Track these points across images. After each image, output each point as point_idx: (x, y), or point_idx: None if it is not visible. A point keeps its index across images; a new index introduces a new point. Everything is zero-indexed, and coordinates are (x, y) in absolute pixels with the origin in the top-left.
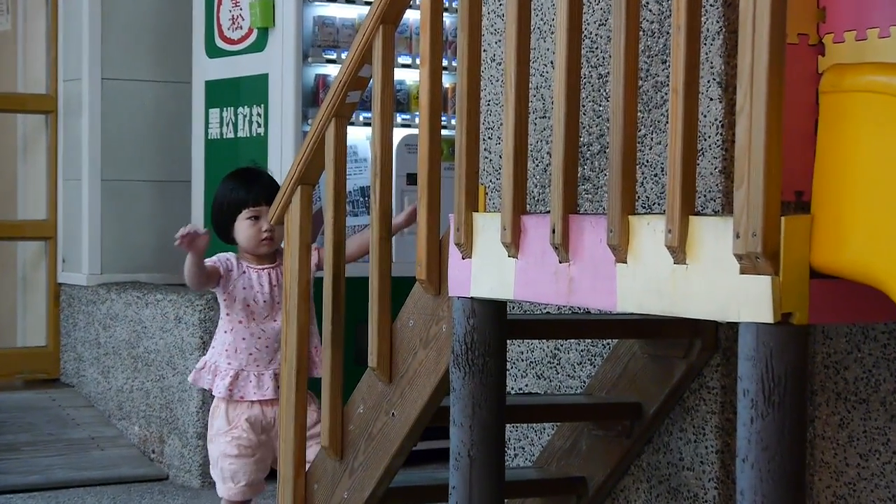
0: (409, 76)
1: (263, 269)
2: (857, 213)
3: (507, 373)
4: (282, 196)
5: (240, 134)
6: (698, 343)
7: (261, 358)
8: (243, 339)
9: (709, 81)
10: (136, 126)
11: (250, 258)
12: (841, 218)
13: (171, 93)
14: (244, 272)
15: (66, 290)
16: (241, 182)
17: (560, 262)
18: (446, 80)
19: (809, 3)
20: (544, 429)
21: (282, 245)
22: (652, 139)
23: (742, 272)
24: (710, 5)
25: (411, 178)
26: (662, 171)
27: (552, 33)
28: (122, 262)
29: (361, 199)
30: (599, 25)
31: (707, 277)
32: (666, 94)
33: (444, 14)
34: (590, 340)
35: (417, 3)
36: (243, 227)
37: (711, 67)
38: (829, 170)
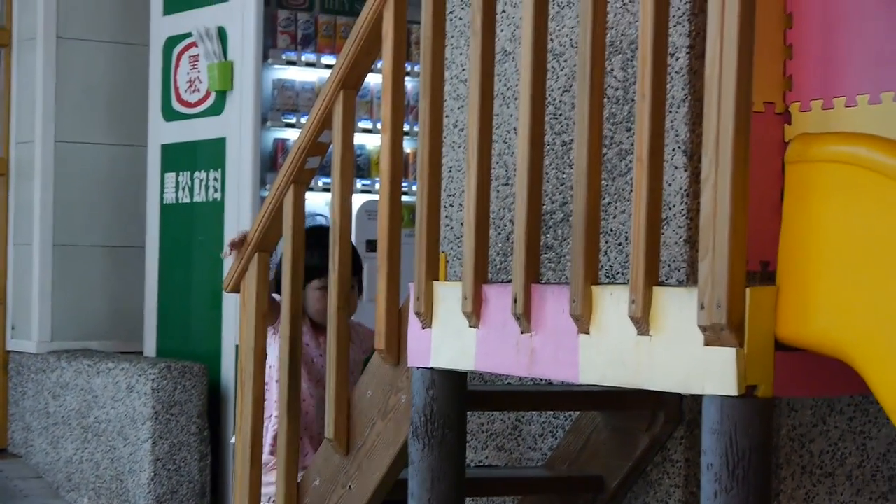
0: (369, 141)
1: (321, 336)
2: (823, 285)
3: (468, 445)
4: (238, 263)
5: (196, 199)
6: (662, 415)
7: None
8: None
9: (674, 150)
10: (89, 190)
11: (309, 323)
12: (806, 289)
13: (126, 156)
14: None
15: (15, 357)
16: (316, 247)
17: (522, 333)
18: (408, 146)
19: (776, 72)
20: (505, 502)
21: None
22: (616, 207)
23: (706, 344)
24: (676, 73)
25: (371, 245)
26: (626, 239)
27: (516, 99)
28: (74, 329)
29: None
30: (563, 92)
31: (671, 349)
32: (630, 162)
33: (406, 79)
34: (552, 412)
35: (379, 67)
36: (313, 298)
37: (677, 135)
38: (795, 240)
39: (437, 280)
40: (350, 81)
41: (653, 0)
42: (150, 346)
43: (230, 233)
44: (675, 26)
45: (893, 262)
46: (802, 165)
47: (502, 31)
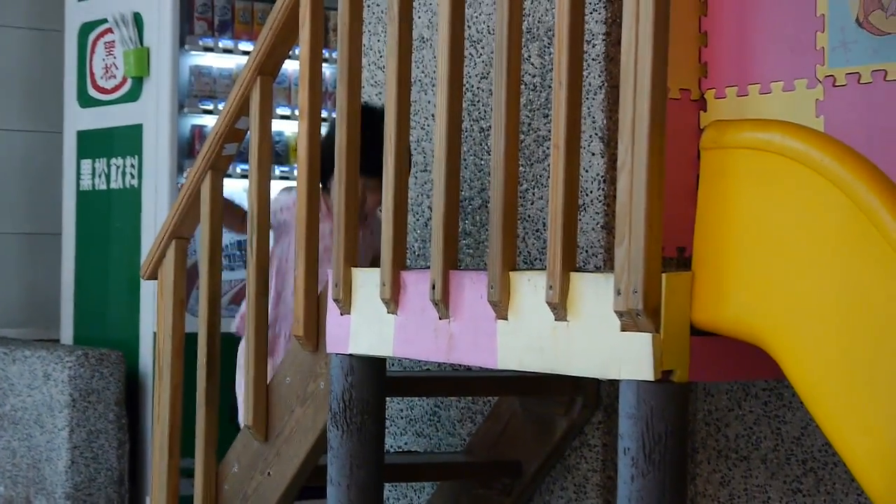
0: (287, 127)
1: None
2: (738, 271)
3: (387, 430)
4: (155, 250)
5: (113, 186)
6: (580, 400)
7: None
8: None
9: (591, 136)
10: (3, 177)
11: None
12: (721, 275)
13: (41, 143)
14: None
15: None
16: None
17: (440, 319)
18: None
19: (691, 59)
20: (424, 488)
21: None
22: (534, 194)
23: (623, 329)
24: (593, 59)
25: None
26: (544, 226)
27: (433, 86)
28: None
29: (238, 252)
30: (481, 79)
31: (588, 334)
32: (548, 148)
33: (324, 65)
34: (471, 398)
35: (297, 53)
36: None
37: (594, 122)
38: (710, 226)
39: (355, 266)
40: (267, 68)
41: None
42: (66, 334)
43: (148, 219)
44: (591, 13)
45: (806, 248)
46: (717, 152)
47: (420, 17)
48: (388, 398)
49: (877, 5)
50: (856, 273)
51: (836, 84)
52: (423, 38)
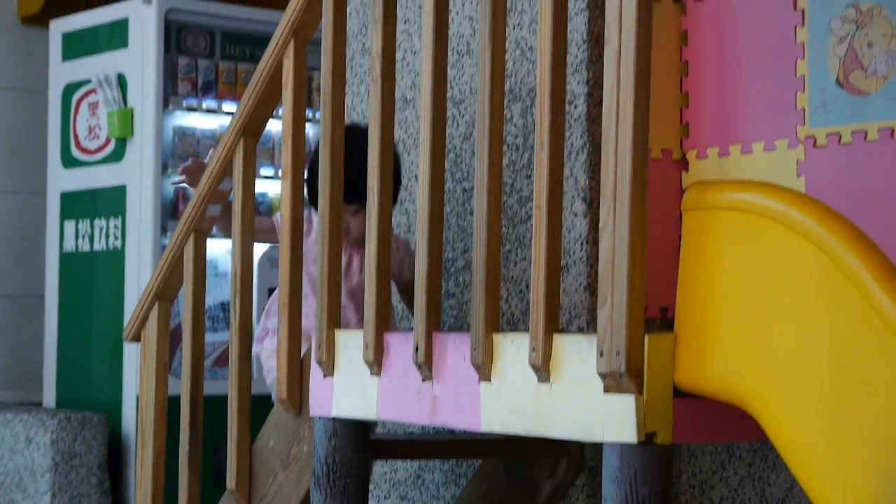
0: (271, 188)
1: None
2: (720, 332)
3: (370, 494)
4: (138, 312)
5: (96, 247)
6: (564, 463)
7: None
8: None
9: (573, 197)
10: None
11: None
12: (704, 336)
13: (24, 204)
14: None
15: None
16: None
17: (423, 381)
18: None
19: (673, 119)
20: None
21: None
22: (517, 254)
23: (606, 391)
24: (575, 120)
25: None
26: (527, 286)
27: (416, 146)
28: None
29: (221, 314)
30: (464, 139)
31: (571, 396)
32: (530, 209)
33: (307, 125)
34: (454, 460)
35: (280, 114)
36: (354, 223)
37: (576, 182)
38: (692, 288)
39: (339, 328)
40: (250, 129)
41: (551, 48)
42: (49, 397)
43: (131, 281)
44: (573, 74)
45: (788, 309)
46: (699, 213)
47: (402, 78)
48: (371, 461)
49: (857, 65)
50: (838, 334)
51: (817, 144)
52: (406, 98)
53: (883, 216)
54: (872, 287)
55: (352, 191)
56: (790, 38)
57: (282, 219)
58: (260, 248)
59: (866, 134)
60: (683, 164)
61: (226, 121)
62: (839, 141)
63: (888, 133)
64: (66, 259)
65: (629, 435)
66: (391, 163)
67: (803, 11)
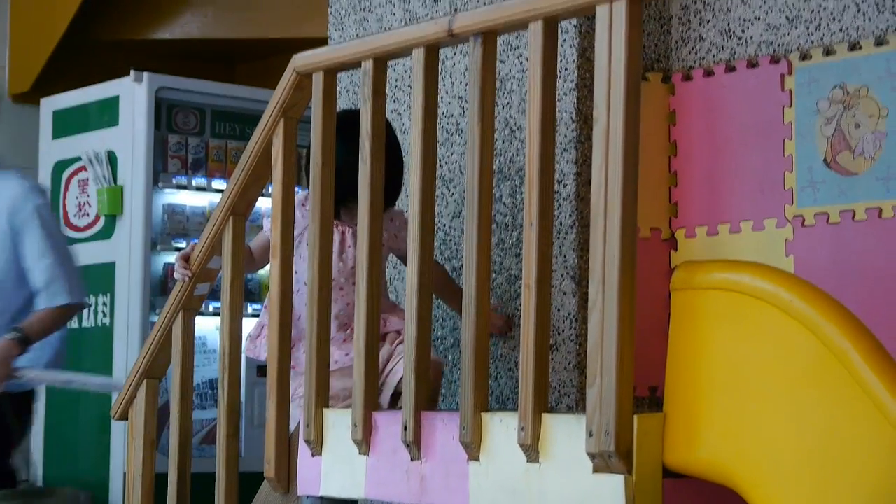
0: None
1: (340, 227)
2: (709, 411)
3: None
4: (126, 390)
5: (84, 324)
6: None
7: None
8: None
9: (562, 275)
10: None
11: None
12: (693, 416)
13: None
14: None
15: None
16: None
17: (412, 460)
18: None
19: (661, 198)
20: None
21: None
22: (506, 333)
23: (595, 471)
24: (564, 199)
25: (262, 371)
26: (516, 364)
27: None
28: None
29: (210, 391)
30: (453, 218)
31: (560, 476)
32: (519, 287)
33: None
34: None
35: (269, 191)
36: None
37: (565, 261)
38: (681, 367)
39: (327, 407)
40: (240, 208)
41: (540, 127)
42: (36, 475)
43: (119, 358)
44: (562, 153)
45: (777, 389)
46: (687, 293)
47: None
48: None
49: (844, 146)
50: (827, 415)
51: (805, 224)
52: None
53: (872, 296)
54: (863, 369)
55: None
56: (778, 119)
57: (271, 296)
58: (248, 325)
59: (854, 214)
60: (672, 243)
61: (216, 198)
62: (827, 220)
63: (876, 213)
64: None
65: None
66: (380, 241)
67: (791, 92)
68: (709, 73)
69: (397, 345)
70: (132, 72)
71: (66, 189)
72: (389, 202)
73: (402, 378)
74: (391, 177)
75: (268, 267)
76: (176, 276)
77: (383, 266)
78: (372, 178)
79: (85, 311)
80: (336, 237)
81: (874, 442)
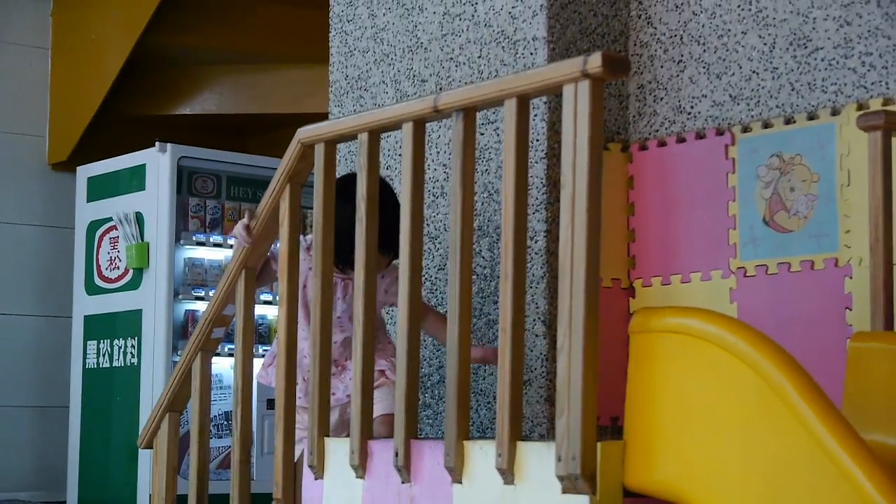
0: (270, 311)
1: (342, 278)
2: (664, 440)
3: None
4: (151, 422)
5: (115, 364)
6: None
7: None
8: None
9: (534, 320)
10: (18, 356)
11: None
12: (650, 443)
13: (52, 326)
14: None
15: None
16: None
17: (402, 483)
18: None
19: (621, 252)
20: None
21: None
22: (485, 370)
23: (563, 492)
24: (535, 253)
25: (271, 404)
26: (494, 398)
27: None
28: (2, 481)
29: (225, 422)
30: (438, 269)
31: (533, 497)
32: (497, 330)
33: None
34: None
35: (277, 247)
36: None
37: (537, 308)
38: (639, 400)
39: (328, 436)
40: (251, 262)
41: (514, 191)
42: (72, 497)
43: (146, 394)
44: (534, 213)
45: (723, 420)
46: (644, 335)
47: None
48: None
49: (781, 207)
50: (766, 442)
51: (747, 275)
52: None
53: (806, 338)
54: (798, 402)
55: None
56: (723, 183)
57: (278, 340)
58: (259, 364)
59: (790, 266)
60: (631, 291)
61: (230, 253)
62: (767, 272)
63: (809, 265)
64: (89, 374)
65: None
66: (374, 297)
67: (734, 160)
68: (662, 143)
69: (376, 386)
70: (157, 143)
71: (99, 245)
72: (396, 252)
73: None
74: (396, 230)
75: (276, 312)
76: (236, 241)
77: (379, 314)
78: (367, 236)
79: (115, 353)
80: (339, 284)
81: (809, 467)
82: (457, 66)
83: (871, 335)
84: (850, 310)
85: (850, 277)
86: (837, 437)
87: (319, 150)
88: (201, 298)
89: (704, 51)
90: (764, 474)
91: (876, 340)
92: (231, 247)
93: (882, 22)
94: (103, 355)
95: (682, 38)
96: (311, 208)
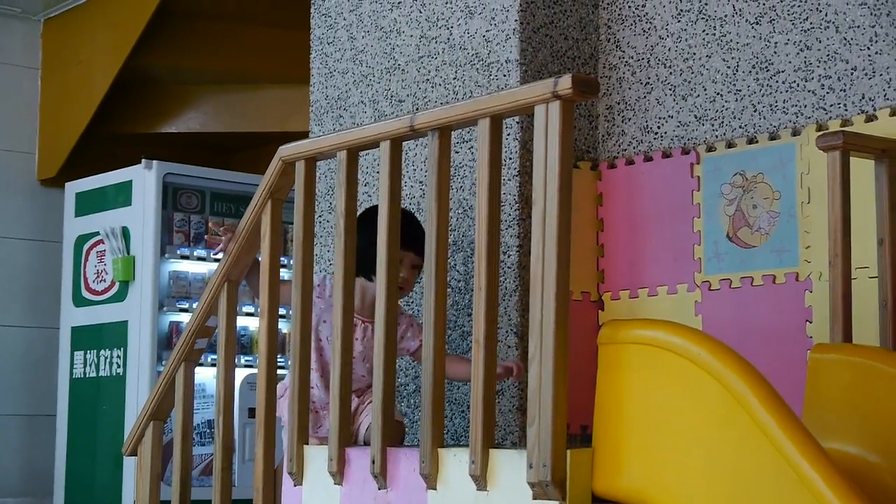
0: (252, 323)
1: (363, 321)
2: (632, 448)
3: None
4: (135, 430)
5: (101, 373)
6: None
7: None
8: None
9: (507, 332)
10: (7, 367)
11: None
12: (618, 451)
13: (40, 337)
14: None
15: None
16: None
17: (379, 489)
18: (284, 326)
19: (590, 267)
20: None
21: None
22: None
23: (534, 498)
24: (508, 268)
25: (252, 412)
26: (468, 407)
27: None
28: None
29: (208, 430)
30: (415, 283)
31: (505, 502)
32: (471, 342)
33: (282, 270)
34: None
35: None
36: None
37: (509, 320)
38: (607, 409)
39: (307, 444)
40: (233, 275)
41: (487, 207)
42: (59, 502)
43: (131, 403)
44: (506, 229)
45: (687, 427)
46: (612, 347)
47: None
48: None
49: (744, 223)
50: (729, 449)
51: (712, 288)
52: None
53: (768, 349)
54: (759, 410)
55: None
56: (688, 200)
57: (259, 350)
58: (241, 374)
59: (753, 280)
60: (600, 304)
61: (213, 266)
62: (730, 286)
63: (770, 279)
64: (76, 384)
65: None
66: (353, 304)
67: (699, 178)
68: (630, 162)
69: (367, 401)
70: (143, 160)
71: (87, 259)
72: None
73: (367, 427)
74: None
75: (258, 322)
76: (222, 248)
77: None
78: (345, 250)
79: (102, 363)
80: (359, 326)
81: (771, 474)
82: (433, 87)
83: (830, 347)
84: (811, 322)
85: (811, 291)
86: (798, 445)
87: (300, 168)
88: (185, 310)
89: (671, 73)
90: (727, 481)
91: (835, 352)
92: (215, 260)
93: (840, 46)
94: (90, 365)
95: (649, 62)
96: (292, 223)
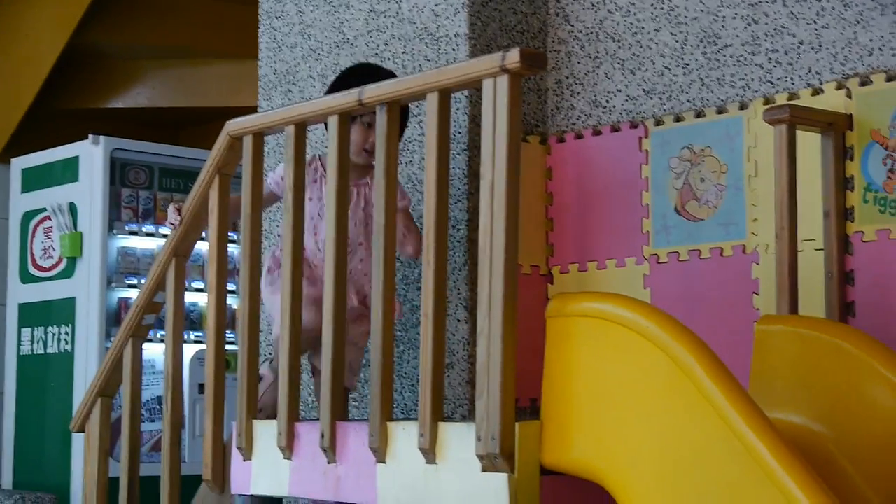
0: (202, 299)
1: (352, 183)
2: (580, 419)
3: None
4: (84, 407)
5: (49, 350)
6: None
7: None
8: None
9: (456, 306)
10: None
11: None
12: (566, 423)
13: None
14: (317, 180)
15: None
16: (362, 81)
17: (328, 463)
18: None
19: (540, 240)
20: None
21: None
22: (409, 354)
23: (483, 470)
24: (458, 242)
25: (202, 388)
26: (417, 381)
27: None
28: None
29: (158, 406)
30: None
31: (454, 475)
32: (420, 316)
33: (231, 245)
34: None
35: (207, 236)
36: (353, 131)
37: (459, 293)
38: (556, 382)
39: (256, 419)
40: (181, 250)
41: (436, 182)
42: (6, 480)
43: (79, 380)
44: (455, 203)
45: (635, 399)
46: (560, 320)
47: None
48: None
49: (691, 197)
50: (676, 419)
51: (660, 261)
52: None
53: (715, 321)
54: (705, 381)
55: None
56: (637, 174)
57: (208, 325)
58: (190, 349)
59: (700, 253)
60: (549, 278)
61: (162, 242)
62: (678, 259)
63: (718, 252)
64: (23, 361)
65: None
66: (301, 273)
67: (647, 152)
68: (579, 136)
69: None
70: (90, 135)
71: (33, 235)
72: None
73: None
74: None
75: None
76: (170, 221)
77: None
78: (293, 225)
79: (50, 339)
80: (353, 192)
81: (717, 441)
82: (381, 61)
83: (776, 318)
84: (757, 294)
85: (757, 263)
86: (743, 415)
87: (248, 142)
88: (134, 286)
89: (619, 47)
90: (675, 451)
91: (781, 323)
92: (163, 236)
93: (787, 20)
94: (38, 342)
95: (598, 36)
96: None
